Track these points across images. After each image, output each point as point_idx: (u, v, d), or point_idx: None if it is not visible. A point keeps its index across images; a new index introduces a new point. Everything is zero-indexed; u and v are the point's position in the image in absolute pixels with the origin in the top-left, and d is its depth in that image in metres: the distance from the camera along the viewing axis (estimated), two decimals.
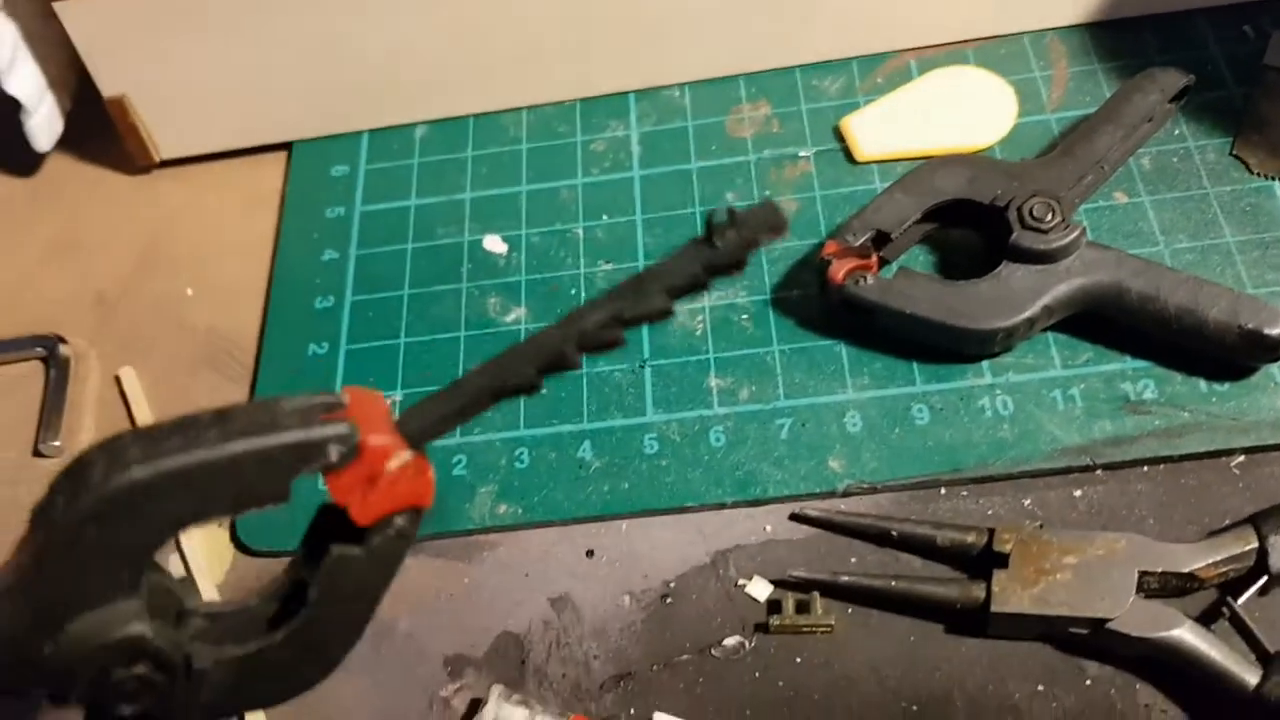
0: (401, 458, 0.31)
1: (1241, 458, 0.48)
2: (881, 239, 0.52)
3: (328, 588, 0.33)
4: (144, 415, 0.57)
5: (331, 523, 0.32)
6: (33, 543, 0.31)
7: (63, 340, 0.60)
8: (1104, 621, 0.43)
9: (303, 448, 0.31)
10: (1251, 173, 0.55)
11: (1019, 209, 0.50)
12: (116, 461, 0.30)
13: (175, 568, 0.51)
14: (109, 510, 0.30)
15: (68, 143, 0.67)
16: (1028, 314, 0.49)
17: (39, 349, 0.60)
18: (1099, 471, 0.48)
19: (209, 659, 0.33)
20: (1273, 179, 0.54)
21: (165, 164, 0.66)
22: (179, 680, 0.33)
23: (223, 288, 0.62)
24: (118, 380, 0.59)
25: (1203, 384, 0.49)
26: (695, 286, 0.33)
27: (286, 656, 0.34)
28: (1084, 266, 0.49)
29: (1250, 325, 0.47)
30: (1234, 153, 0.55)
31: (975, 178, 0.52)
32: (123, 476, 0.29)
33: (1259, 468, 0.48)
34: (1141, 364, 0.50)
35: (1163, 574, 0.44)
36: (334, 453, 0.31)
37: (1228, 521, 0.46)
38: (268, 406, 0.31)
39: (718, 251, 0.32)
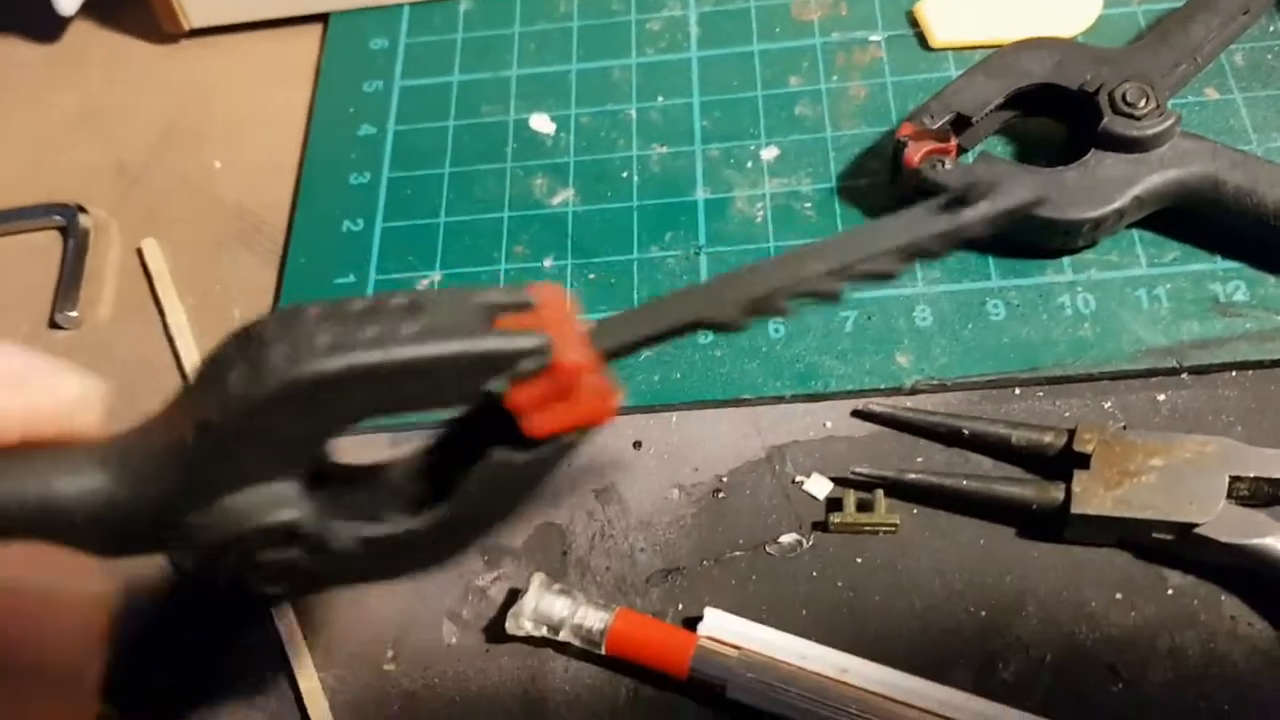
0: (591, 378, 0.30)
1: None
2: (961, 123, 0.49)
3: (480, 486, 0.31)
4: (166, 289, 0.54)
5: (493, 418, 0.30)
6: (197, 407, 0.29)
7: (83, 210, 0.57)
8: (1191, 526, 0.40)
9: (498, 358, 0.29)
10: None
11: (1110, 94, 0.47)
12: (304, 346, 0.28)
13: None
14: (291, 397, 0.28)
15: (92, 7, 0.64)
16: (1117, 205, 0.46)
17: (58, 217, 0.57)
18: (1184, 375, 0.46)
19: (349, 539, 0.31)
20: None
21: (195, 33, 0.63)
22: (320, 560, 0.31)
23: (252, 162, 0.58)
24: (139, 252, 0.56)
25: None
26: (928, 255, 0.31)
27: (423, 540, 0.32)
28: (1177, 157, 0.46)
29: None
30: None
31: (1063, 62, 0.49)
32: (312, 366, 0.28)
33: None
34: (1232, 264, 0.47)
35: (1255, 480, 0.41)
36: (528, 365, 0.29)
37: None
38: (460, 299, 0.30)
39: (963, 221, 0.30)
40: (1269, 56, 0.52)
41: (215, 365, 0.29)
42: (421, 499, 0.32)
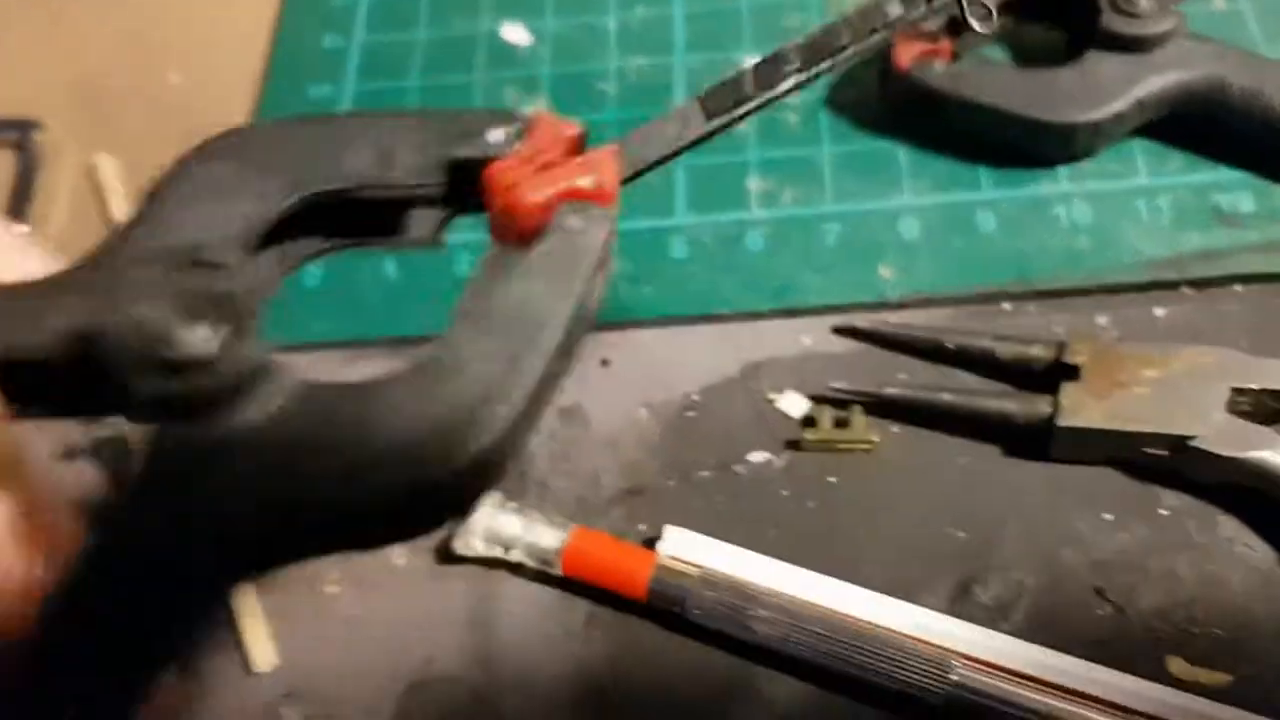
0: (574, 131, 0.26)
1: None
2: (956, 25, 0.46)
3: (478, 301, 0.24)
4: (119, 206, 0.52)
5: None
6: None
7: (35, 125, 0.55)
8: (1186, 440, 0.38)
9: (462, 121, 0.26)
10: None
11: None
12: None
13: None
14: (216, 151, 0.26)
15: None
16: (1117, 107, 0.43)
17: (11, 133, 0.55)
18: (1185, 289, 0.43)
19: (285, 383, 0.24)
20: None
21: None
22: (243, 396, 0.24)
23: (212, 76, 0.56)
24: (93, 169, 0.54)
25: None
26: None
27: (400, 392, 0.23)
28: (1181, 58, 0.43)
29: None
30: None
31: None
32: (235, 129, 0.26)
33: None
34: (1238, 174, 0.44)
35: (1258, 392, 0.39)
36: (495, 133, 0.26)
37: None
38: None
39: None
40: None
41: None
42: None
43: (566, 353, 0.25)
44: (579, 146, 0.27)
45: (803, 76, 0.30)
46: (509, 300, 0.24)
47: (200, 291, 0.23)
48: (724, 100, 0.29)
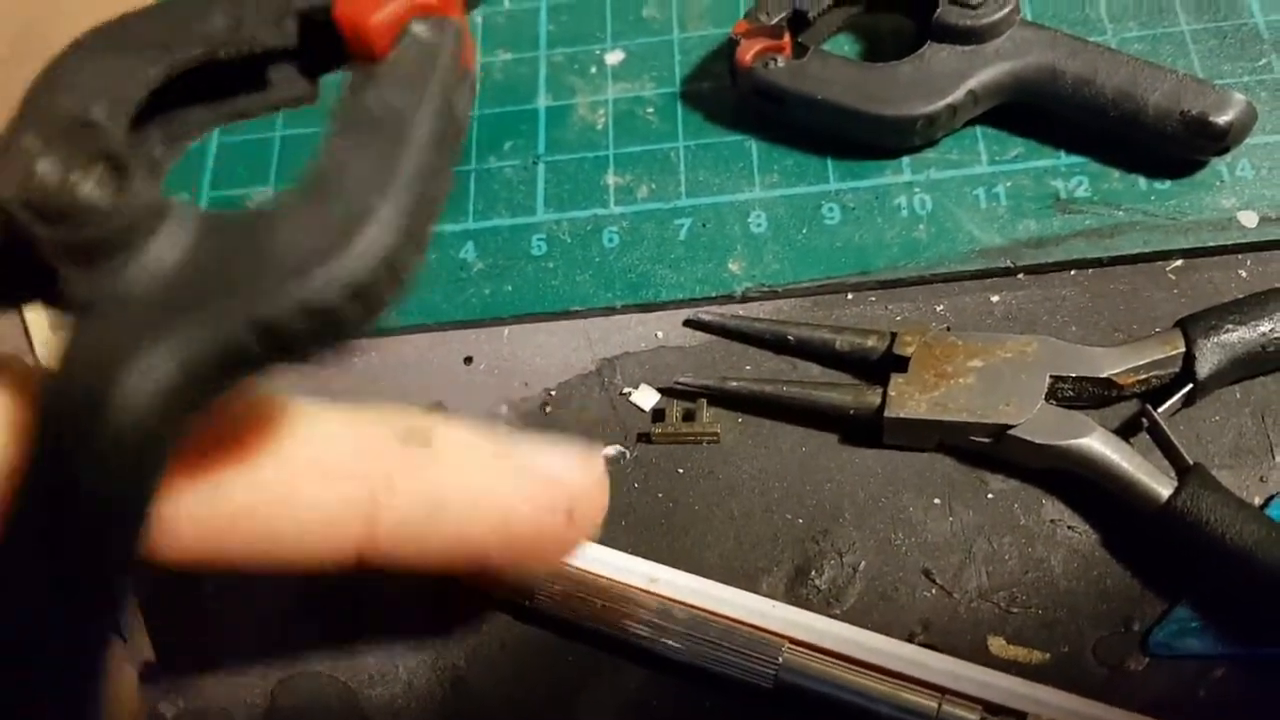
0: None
1: (1179, 261, 0.44)
2: (799, 20, 0.47)
3: (345, 118, 0.25)
4: None
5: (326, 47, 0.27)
6: None
7: None
8: (1006, 428, 0.39)
9: None
10: None
11: None
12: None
13: None
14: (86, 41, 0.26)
15: None
16: (950, 99, 0.44)
17: None
18: (1020, 275, 0.44)
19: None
20: None
21: None
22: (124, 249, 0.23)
23: None
24: None
25: (1142, 181, 0.44)
26: None
27: (291, 221, 0.23)
28: (1015, 47, 0.44)
29: (1194, 111, 0.42)
30: None
31: None
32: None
33: (1197, 272, 0.43)
34: (1077, 159, 0.45)
35: (1077, 379, 0.40)
36: None
37: (1157, 330, 0.42)
38: None
39: None
40: None
41: None
42: None
43: (440, 170, 0.25)
44: None
45: None
46: (373, 110, 0.25)
47: (87, 144, 0.23)
48: None
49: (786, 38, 0.46)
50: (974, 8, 0.44)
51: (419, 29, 0.26)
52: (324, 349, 0.23)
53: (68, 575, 0.22)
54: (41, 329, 0.48)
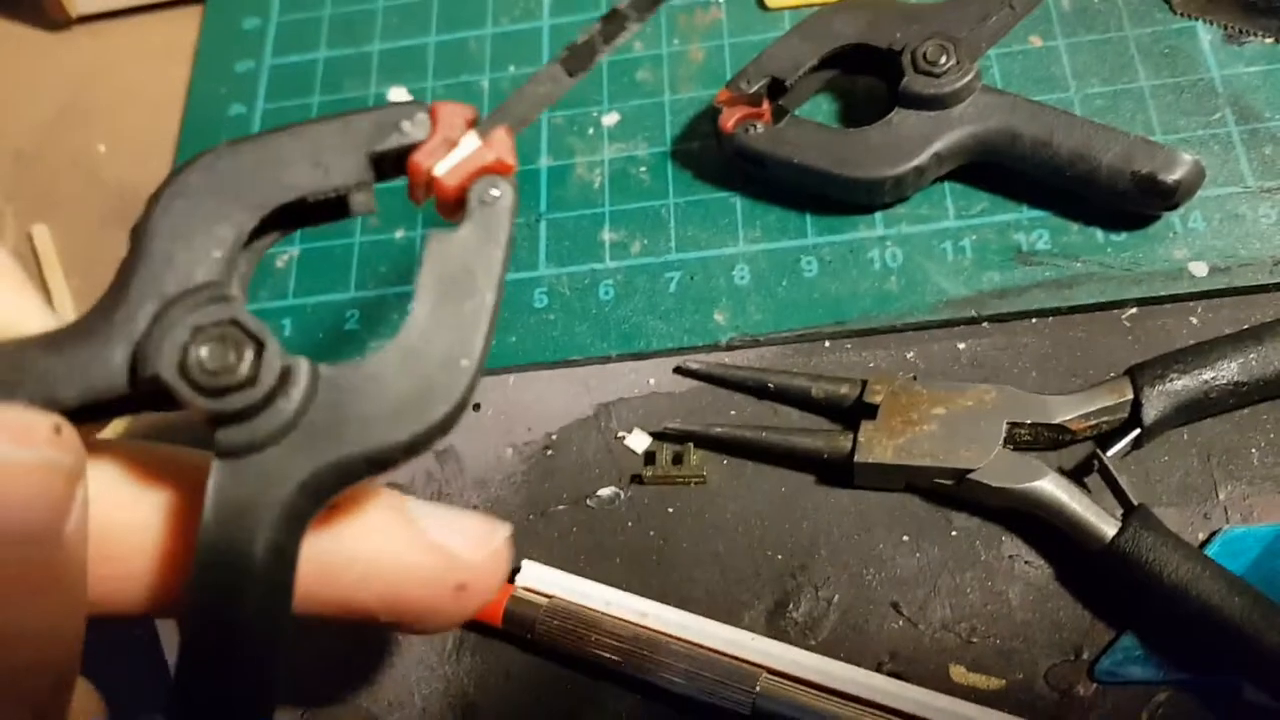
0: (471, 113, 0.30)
1: (1133, 310, 0.47)
2: (777, 86, 0.50)
3: (432, 276, 0.29)
4: (54, 274, 0.58)
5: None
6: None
7: None
8: (966, 472, 0.43)
9: (383, 118, 0.30)
10: (1175, 12, 0.52)
11: (913, 52, 0.48)
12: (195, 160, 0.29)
13: None
14: (182, 189, 0.29)
15: None
16: (916, 162, 0.47)
17: None
18: (985, 324, 0.47)
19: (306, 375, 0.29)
20: (1195, 19, 0.51)
21: (82, 19, 0.65)
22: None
23: (135, 144, 0.61)
24: (29, 238, 0.59)
25: (1099, 234, 0.47)
26: None
27: (393, 372, 0.29)
28: (978, 112, 0.47)
29: (1145, 170, 0.45)
30: None
31: (875, 21, 0.50)
32: (193, 163, 0.29)
33: (1150, 320, 0.46)
34: (1038, 214, 0.48)
35: (1033, 425, 0.43)
36: (408, 124, 0.30)
37: (1111, 375, 0.45)
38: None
39: None
40: (1096, 1, 0.53)
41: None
42: None
43: (501, 300, 0.30)
44: (476, 122, 0.31)
45: (638, 26, 0.34)
46: (454, 274, 0.29)
47: (227, 324, 0.28)
48: (581, 59, 0.33)
49: (766, 104, 0.50)
50: (937, 76, 0.47)
51: (488, 191, 0.30)
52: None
53: (235, 692, 0.27)
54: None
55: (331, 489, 0.28)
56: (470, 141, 0.30)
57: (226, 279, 0.29)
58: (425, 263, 0.29)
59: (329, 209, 0.31)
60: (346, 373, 0.28)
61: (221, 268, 0.29)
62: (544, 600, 0.44)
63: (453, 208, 0.30)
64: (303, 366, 0.28)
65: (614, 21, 0.33)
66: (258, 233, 0.31)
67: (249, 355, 0.27)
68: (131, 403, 0.29)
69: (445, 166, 0.30)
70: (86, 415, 0.28)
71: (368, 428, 0.28)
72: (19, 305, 0.29)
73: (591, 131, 0.55)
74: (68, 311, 0.56)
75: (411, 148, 0.30)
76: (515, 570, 0.45)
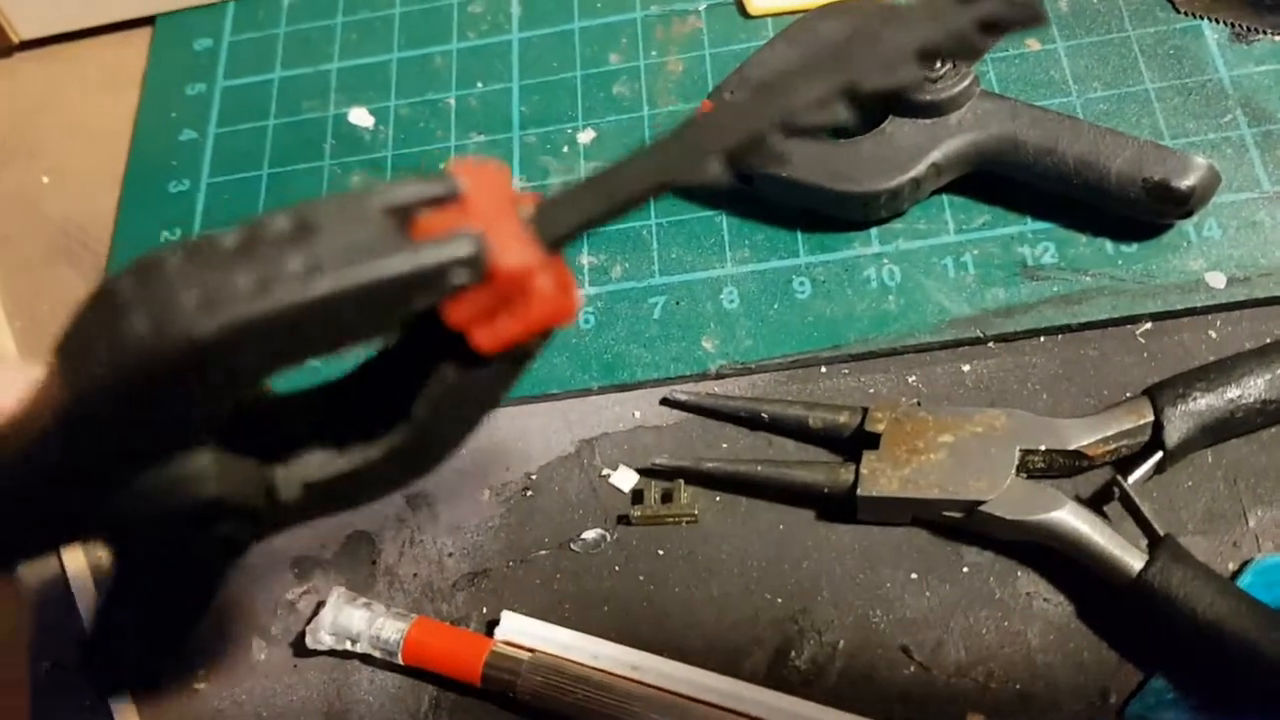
0: (543, 279, 0.25)
1: (1148, 325, 0.44)
2: None
3: (437, 407, 0.27)
4: None
5: (435, 333, 0.26)
6: (69, 384, 0.24)
7: None
8: (977, 504, 0.39)
9: (419, 277, 0.24)
10: (1178, 11, 0.49)
11: None
12: (166, 311, 0.23)
13: None
14: (161, 373, 0.23)
15: None
16: (913, 174, 0.44)
17: None
18: (991, 344, 0.44)
19: (296, 487, 0.28)
20: (1200, 17, 0.49)
21: (26, 45, 0.62)
22: (263, 518, 0.29)
23: (80, 175, 0.58)
24: None
25: (1108, 245, 0.45)
26: (960, 49, 0.26)
27: (380, 471, 0.29)
28: (976, 119, 0.45)
29: (1157, 177, 0.42)
30: None
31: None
32: (176, 334, 0.23)
33: (1166, 335, 0.44)
34: (1043, 226, 0.46)
35: (1047, 452, 0.40)
36: (458, 279, 0.24)
37: (1128, 395, 0.42)
38: (358, 206, 0.24)
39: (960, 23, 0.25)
40: (1095, 1, 0.51)
41: (71, 339, 0.24)
42: (370, 426, 0.28)
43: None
44: (509, 182, 0.26)
45: None
46: (470, 392, 0.28)
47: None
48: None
49: None
50: (933, 81, 0.44)
51: (528, 343, 0.26)
52: None
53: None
54: None
55: None
56: (530, 298, 0.25)
57: (226, 468, 0.28)
58: (435, 395, 0.27)
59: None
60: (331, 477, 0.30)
61: (215, 463, 0.28)
62: (526, 655, 0.41)
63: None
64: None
65: None
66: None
67: (266, 499, 0.29)
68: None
69: (494, 329, 0.25)
70: None
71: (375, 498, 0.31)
72: None
73: (566, 149, 0.52)
74: (9, 352, 0.52)
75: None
76: (494, 623, 0.42)
